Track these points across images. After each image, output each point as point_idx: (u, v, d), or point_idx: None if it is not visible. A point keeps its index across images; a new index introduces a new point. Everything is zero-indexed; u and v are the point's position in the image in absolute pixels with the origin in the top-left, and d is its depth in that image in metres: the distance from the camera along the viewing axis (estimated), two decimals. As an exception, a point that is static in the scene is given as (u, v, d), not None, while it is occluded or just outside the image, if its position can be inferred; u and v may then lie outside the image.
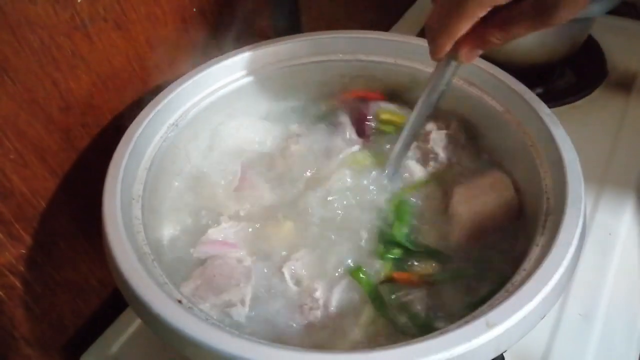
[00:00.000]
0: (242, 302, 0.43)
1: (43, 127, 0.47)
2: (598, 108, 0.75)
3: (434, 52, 0.39)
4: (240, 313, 0.43)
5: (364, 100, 0.60)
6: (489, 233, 0.48)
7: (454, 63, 0.42)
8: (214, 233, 0.48)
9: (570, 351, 0.50)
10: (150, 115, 0.49)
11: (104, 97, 0.52)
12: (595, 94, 0.77)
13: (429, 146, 0.54)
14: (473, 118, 0.56)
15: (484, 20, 0.35)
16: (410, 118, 0.48)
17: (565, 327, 0.51)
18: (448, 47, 0.38)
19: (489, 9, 0.33)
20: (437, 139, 0.55)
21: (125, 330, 0.54)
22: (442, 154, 0.54)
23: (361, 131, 0.58)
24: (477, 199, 0.49)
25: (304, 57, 0.59)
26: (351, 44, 0.58)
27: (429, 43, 0.39)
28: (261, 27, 0.68)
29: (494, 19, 0.35)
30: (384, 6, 0.96)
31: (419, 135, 0.50)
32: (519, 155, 0.49)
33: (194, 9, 0.58)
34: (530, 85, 0.51)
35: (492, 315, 0.34)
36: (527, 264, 0.39)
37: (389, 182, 0.52)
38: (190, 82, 0.53)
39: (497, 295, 0.37)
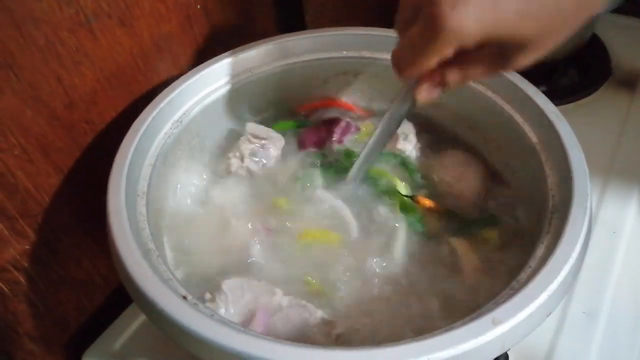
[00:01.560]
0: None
1: (47, 123, 0.47)
2: (602, 106, 0.75)
3: (399, 77, 0.40)
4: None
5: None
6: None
7: (411, 100, 0.43)
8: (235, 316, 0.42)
9: (574, 349, 0.50)
10: (154, 112, 0.49)
11: (108, 94, 0.52)
12: (600, 92, 0.77)
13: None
14: (478, 115, 0.56)
15: (445, 61, 0.36)
16: (370, 139, 0.49)
17: (570, 325, 0.51)
18: (413, 77, 0.39)
19: (456, 47, 0.33)
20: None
21: (128, 327, 0.54)
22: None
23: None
24: (467, 175, 0.54)
25: (308, 54, 0.59)
26: (355, 40, 0.58)
27: (395, 70, 0.39)
28: (265, 24, 0.68)
29: (455, 60, 0.36)
30: (388, 3, 0.96)
31: (380, 151, 0.52)
32: (524, 153, 0.49)
33: (198, 6, 0.58)
34: (534, 84, 0.50)
35: (498, 312, 0.34)
36: (532, 262, 0.39)
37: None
38: (194, 79, 0.53)
39: (503, 293, 0.37)
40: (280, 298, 0.43)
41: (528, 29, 0.33)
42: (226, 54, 0.56)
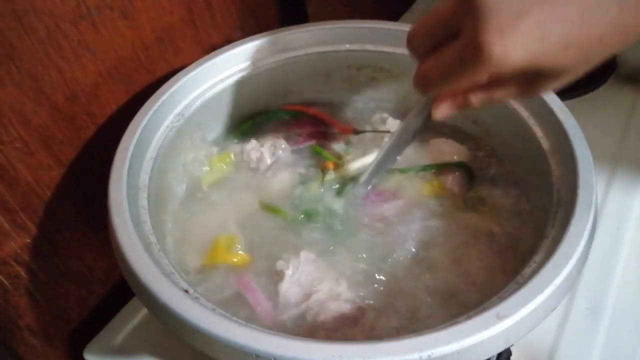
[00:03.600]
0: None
1: (48, 115, 0.47)
2: (607, 101, 0.74)
3: (421, 94, 0.39)
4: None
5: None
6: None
7: (426, 115, 0.42)
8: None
9: (577, 345, 0.50)
10: (156, 105, 0.49)
11: (110, 87, 0.52)
12: (605, 87, 0.76)
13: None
14: (482, 110, 0.55)
15: None
16: (382, 150, 0.49)
17: (573, 321, 0.51)
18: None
19: (494, 74, 0.32)
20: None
21: (129, 321, 0.54)
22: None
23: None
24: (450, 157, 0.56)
25: (310, 47, 0.58)
26: (359, 33, 0.58)
27: (419, 87, 0.38)
28: (267, 17, 0.68)
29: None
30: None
31: (392, 162, 0.51)
32: (529, 147, 0.49)
33: (200, -2, 0.57)
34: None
35: (503, 307, 0.33)
36: (537, 257, 0.38)
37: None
38: (196, 72, 0.53)
39: (508, 287, 0.36)
40: (342, 289, 0.43)
41: (570, 59, 0.32)
42: (228, 46, 0.55)
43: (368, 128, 0.60)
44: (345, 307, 0.42)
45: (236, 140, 0.59)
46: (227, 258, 0.47)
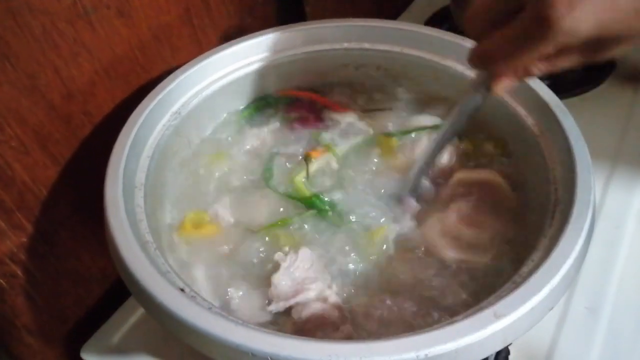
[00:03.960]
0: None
1: (44, 114, 0.47)
2: (606, 100, 0.74)
3: (482, 70, 0.39)
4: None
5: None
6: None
7: (485, 91, 0.41)
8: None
9: (576, 345, 0.49)
10: (153, 104, 0.49)
11: (106, 85, 0.51)
12: (604, 86, 0.76)
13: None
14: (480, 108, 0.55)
15: None
16: (432, 142, 0.48)
17: (572, 320, 0.51)
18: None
19: (562, 45, 0.32)
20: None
21: (126, 321, 0.54)
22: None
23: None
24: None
25: (308, 46, 0.58)
26: (356, 32, 0.58)
27: (480, 64, 0.38)
28: (264, 16, 0.68)
29: None
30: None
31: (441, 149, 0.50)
32: (527, 145, 0.49)
33: (197, -3, 0.57)
34: (538, 77, 0.50)
35: (500, 306, 0.33)
36: (535, 255, 0.38)
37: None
38: (192, 70, 0.53)
39: (505, 287, 0.36)
40: (331, 293, 0.43)
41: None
42: (225, 45, 0.55)
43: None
44: (329, 312, 0.42)
45: (236, 129, 0.59)
46: (194, 232, 0.48)
